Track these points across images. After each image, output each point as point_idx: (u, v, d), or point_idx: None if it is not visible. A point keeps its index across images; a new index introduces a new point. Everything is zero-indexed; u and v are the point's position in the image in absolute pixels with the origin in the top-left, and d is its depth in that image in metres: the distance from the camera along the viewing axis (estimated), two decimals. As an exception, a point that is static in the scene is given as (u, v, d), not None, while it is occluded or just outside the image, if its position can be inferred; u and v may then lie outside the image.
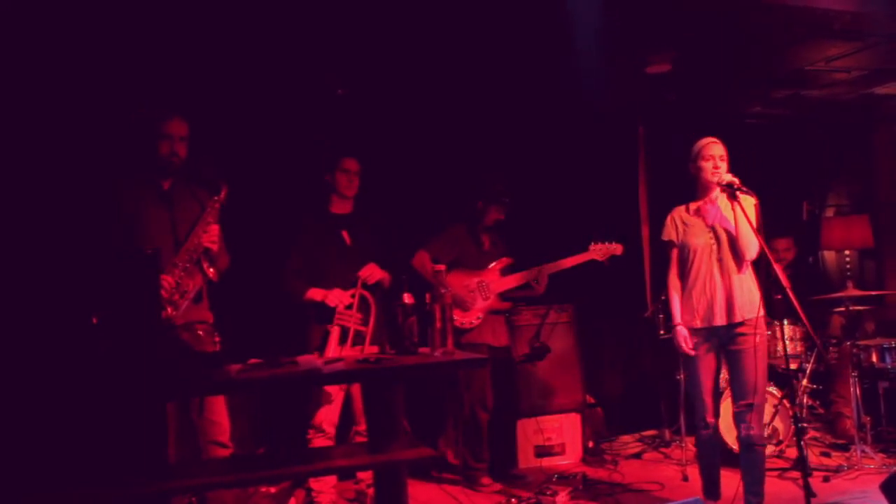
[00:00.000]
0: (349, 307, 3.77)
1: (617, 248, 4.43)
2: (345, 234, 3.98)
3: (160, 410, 2.66)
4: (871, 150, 6.40)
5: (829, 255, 6.53)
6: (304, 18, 3.61)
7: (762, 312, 3.49)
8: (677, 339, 3.61)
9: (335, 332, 3.73)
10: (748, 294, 3.50)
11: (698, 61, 4.54)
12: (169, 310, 2.95)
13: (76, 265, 2.47)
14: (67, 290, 2.39)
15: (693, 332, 3.59)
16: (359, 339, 3.78)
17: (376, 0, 3.48)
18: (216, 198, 3.17)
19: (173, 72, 3.91)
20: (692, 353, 3.57)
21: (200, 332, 3.04)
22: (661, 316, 5.00)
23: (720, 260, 3.53)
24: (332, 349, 3.68)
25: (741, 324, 3.48)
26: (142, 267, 2.46)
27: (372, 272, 3.87)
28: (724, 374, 4.07)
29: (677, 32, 4.07)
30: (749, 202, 3.43)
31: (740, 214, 3.38)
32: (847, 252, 6.01)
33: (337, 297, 3.76)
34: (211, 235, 3.12)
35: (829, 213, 6.57)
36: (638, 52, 4.32)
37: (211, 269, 3.12)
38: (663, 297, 4.92)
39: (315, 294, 3.81)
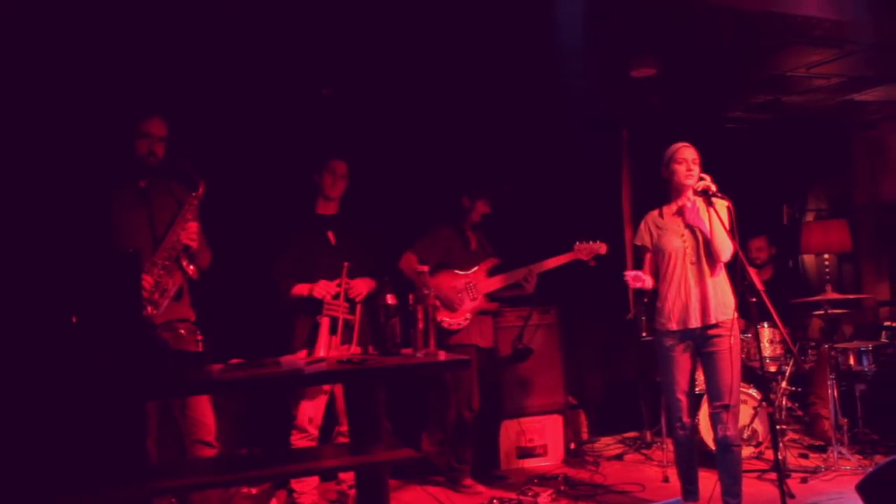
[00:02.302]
0: (336, 297, 3.76)
1: (601, 247, 4.46)
2: (330, 235, 3.98)
3: (140, 411, 2.65)
4: (849, 156, 6.50)
5: (808, 259, 6.61)
6: (291, 17, 3.59)
7: (736, 315, 3.55)
8: (628, 277, 3.67)
9: (325, 322, 3.70)
10: (722, 296, 3.57)
11: (682, 66, 4.58)
12: (149, 309, 2.93)
13: (55, 264, 2.45)
14: (46, 290, 2.37)
15: (668, 333, 3.64)
16: (347, 329, 3.76)
17: (361, 1, 3.48)
18: (194, 194, 3.15)
19: (157, 70, 3.89)
20: (645, 281, 3.64)
21: (182, 331, 3.03)
22: (642, 318, 5.04)
23: (694, 262, 3.59)
24: (323, 340, 3.66)
25: (715, 325, 3.54)
26: (123, 266, 2.45)
27: (360, 290, 3.86)
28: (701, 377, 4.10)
29: (661, 38, 4.10)
30: (722, 205, 3.50)
31: (715, 218, 3.44)
32: (826, 256, 6.09)
33: (323, 288, 3.77)
34: (189, 233, 3.09)
35: (809, 217, 6.65)
36: (623, 56, 4.34)
37: (191, 267, 3.10)
38: (645, 300, 4.98)
39: (301, 289, 3.81)
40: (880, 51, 4.40)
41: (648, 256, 3.78)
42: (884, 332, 5.19)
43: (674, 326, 3.61)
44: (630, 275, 3.67)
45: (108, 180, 3.13)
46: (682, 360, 3.63)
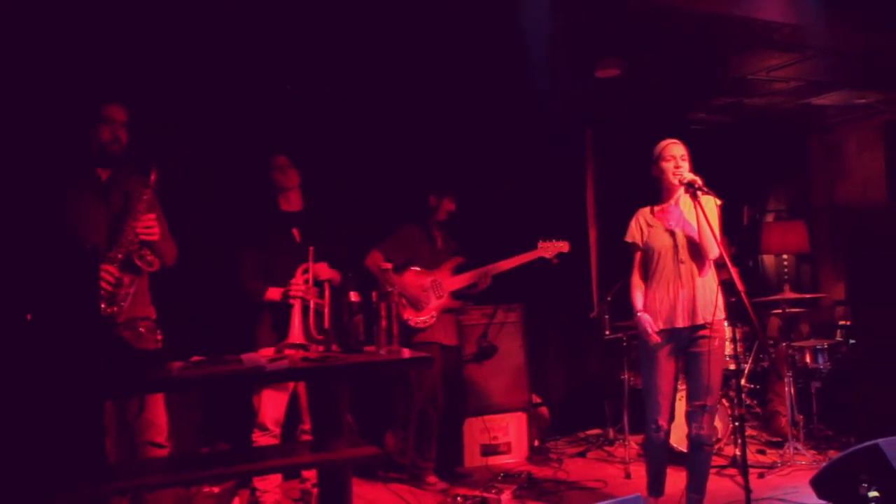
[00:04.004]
0: (306, 282, 3.68)
1: (564, 246, 4.51)
2: (295, 232, 3.95)
3: (98, 410, 2.61)
4: (806, 158, 6.65)
5: (768, 259, 6.74)
6: (257, 13, 3.56)
7: (722, 315, 3.53)
8: (642, 325, 3.55)
9: (297, 306, 3.54)
10: (710, 296, 3.50)
11: (645, 68, 4.63)
12: (107, 307, 2.86)
13: (9, 259, 2.40)
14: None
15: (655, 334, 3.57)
16: (318, 314, 3.65)
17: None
18: (146, 183, 2.99)
19: (121, 62, 3.82)
20: (657, 339, 3.53)
21: (142, 329, 2.95)
22: (606, 317, 5.09)
23: (682, 262, 3.53)
24: (296, 324, 3.48)
25: (702, 326, 3.49)
26: (80, 262, 2.40)
27: (320, 270, 3.83)
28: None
29: (625, 39, 4.15)
30: (712, 203, 3.46)
31: (701, 214, 3.37)
32: (785, 256, 6.22)
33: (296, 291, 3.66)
34: (146, 225, 2.96)
35: (769, 218, 6.78)
36: (587, 56, 4.38)
37: (149, 258, 2.96)
38: (609, 299, 5.03)
39: (274, 294, 3.74)
40: (838, 56, 4.51)
41: (638, 255, 3.69)
42: (839, 331, 5.32)
43: (660, 325, 3.54)
44: (646, 320, 3.56)
45: (68, 171, 3.02)
46: (667, 364, 3.57)
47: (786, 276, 5.82)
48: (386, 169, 5.09)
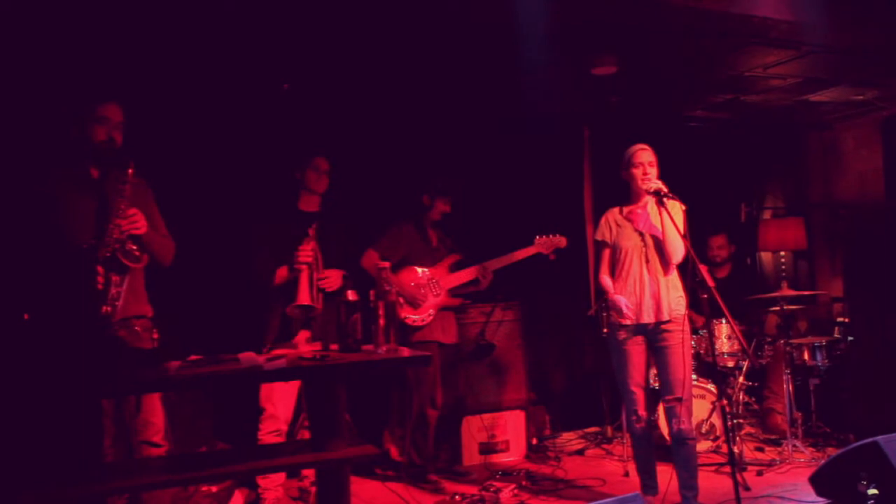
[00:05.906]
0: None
1: (561, 241, 4.51)
2: (311, 232, 3.94)
3: (95, 409, 2.60)
4: (804, 155, 6.65)
5: (765, 256, 6.74)
6: (251, 14, 3.54)
7: (685, 311, 3.67)
8: (616, 304, 3.68)
9: (305, 270, 3.71)
10: (675, 294, 3.68)
11: (643, 65, 4.62)
12: (103, 308, 2.82)
13: (4, 260, 2.39)
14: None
15: (622, 327, 3.73)
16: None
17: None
18: (124, 178, 2.88)
19: (115, 57, 3.80)
20: (632, 317, 3.65)
21: (138, 328, 2.92)
22: (603, 314, 5.07)
23: (648, 261, 3.69)
24: (305, 289, 3.68)
25: (667, 321, 3.65)
26: (76, 262, 2.40)
27: (331, 282, 3.85)
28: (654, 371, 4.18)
29: (622, 37, 4.14)
30: (677, 208, 3.59)
31: (667, 220, 3.49)
32: (782, 253, 6.22)
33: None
34: (130, 221, 2.86)
35: (766, 215, 6.78)
36: (583, 53, 4.37)
37: (136, 253, 2.86)
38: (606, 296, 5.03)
39: (283, 271, 3.79)
40: (834, 53, 4.50)
41: (607, 252, 3.85)
42: (837, 328, 5.32)
43: (627, 321, 3.69)
44: (621, 301, 3.69)
45: (58, 168, 2.96)
46: (636, 353, 3.72)
47: (783, 273, 5.82)
48: (382, 169, 5.07)
